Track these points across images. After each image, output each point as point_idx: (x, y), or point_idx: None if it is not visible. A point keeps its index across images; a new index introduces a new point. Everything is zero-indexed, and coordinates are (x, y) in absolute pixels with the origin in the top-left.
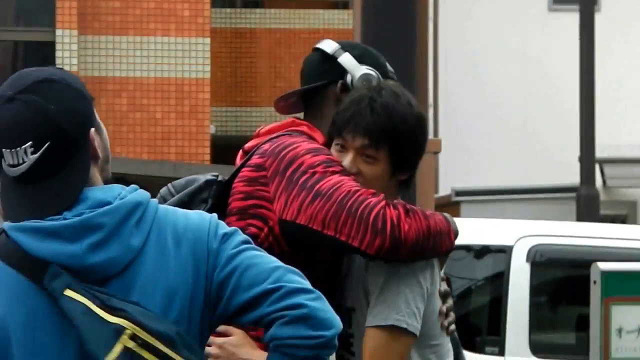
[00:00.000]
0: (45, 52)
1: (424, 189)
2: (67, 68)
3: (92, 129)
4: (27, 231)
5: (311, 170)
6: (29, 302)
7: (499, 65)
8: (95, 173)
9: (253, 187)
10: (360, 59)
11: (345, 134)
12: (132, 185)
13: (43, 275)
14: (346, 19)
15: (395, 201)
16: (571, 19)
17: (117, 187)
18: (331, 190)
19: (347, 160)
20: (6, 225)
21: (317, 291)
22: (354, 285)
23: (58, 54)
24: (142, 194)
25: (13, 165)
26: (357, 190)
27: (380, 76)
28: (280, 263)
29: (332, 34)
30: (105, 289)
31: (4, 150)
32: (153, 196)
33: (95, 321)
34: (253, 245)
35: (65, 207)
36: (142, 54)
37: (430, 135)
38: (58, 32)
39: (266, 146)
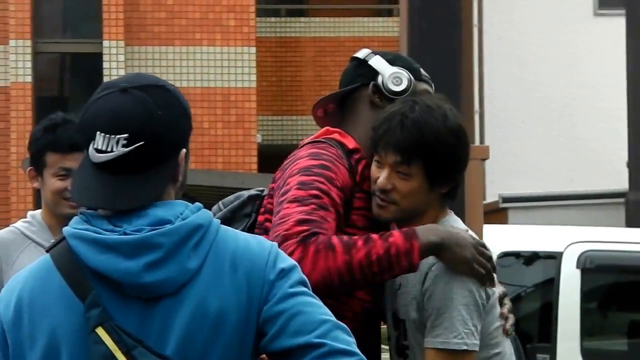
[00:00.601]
0: (92, 63)
1: (472, 197)
2: (113, 79)
3: (184, 151)
4: (86, 241)
5: (282, 198)
6: (78, 317)
7: (544, 71)
8: (171, 194)
9: (267, 200)
10: (392, 62)
11: (379, 150)
12: (197, 204)
13: (87, 296)
14: (390, 27)
15: (315, 238)
16: (617, 24)
17: (181, 205)
18: (275, 223)
19: (382, 176)
20: (67, 231)
21: (360, 355)
22: (409, 298)
23: (105, 64)
24: (204, 215)
25: (100, 151)
26: (283, 226)
27: (411, 76)
28: (330, 316)
29: (377, 42)
30: (142, 333)
31: (97, 132)
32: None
33: None
34: (308, 290)
35: (132, 206)
36: (188, 64)
37: (477, 142)
38: (105, 43)
39: (289, 157)
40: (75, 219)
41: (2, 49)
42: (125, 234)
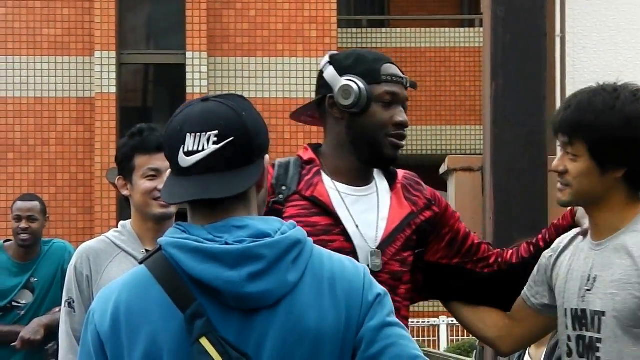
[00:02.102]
0: (175, 74)
1: (556, 208)
2: (197, 90)
3: (267, 157)
4: (187, 250)
5: None
6: (177, 326)
7: (630, 79)
8: (254, 201)
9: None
10: (348, 69)
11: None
12: (291, 222)
13: (188, 306)
14: (472, 38)
15: None
16: None
17: (277, 221)
18: None
19: (557, 158)
20: (164, 241)
21: None
22: (607, 289)
23: (188, 75)
24: (301, 232)
25: (190, 153)
26: None
27: (362, 84)
28: (420, 351)
29: (458, 53)
30: (241, 344)
31: (187, 135)
32: None
33: None
34: (399, 322)
35: (226, 194)
36: (270, 74)
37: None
38: (188, 54)
39: None
40: (171, 230)
41: (87, 60)
42: (227, 244)
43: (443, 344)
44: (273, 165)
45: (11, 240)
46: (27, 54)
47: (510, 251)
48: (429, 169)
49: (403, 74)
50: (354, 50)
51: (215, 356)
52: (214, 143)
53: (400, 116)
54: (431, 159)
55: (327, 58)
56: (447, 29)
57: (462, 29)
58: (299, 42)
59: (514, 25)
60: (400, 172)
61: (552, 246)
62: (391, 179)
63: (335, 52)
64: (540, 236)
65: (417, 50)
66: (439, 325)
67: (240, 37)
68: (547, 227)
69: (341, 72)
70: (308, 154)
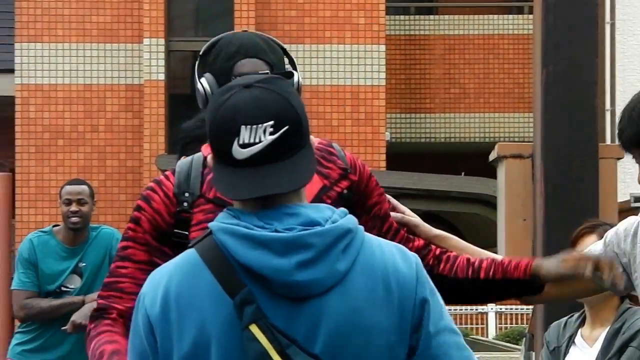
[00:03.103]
0: None
1: (606, 196)
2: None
3: (312, 138)
4: (237, 236)
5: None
6: (227, 312)
7: None
8: (303, 188)
9: None
10: (210, 65)
11: None
12: (342, 209)
13: (238, 292)
14: (521, 24)
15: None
16: None
17: (327, 209)
18: None
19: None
20: (215, 225)
21: None
22: None
23: None
24: (352, 220)
25: (246, 145)
26: None
27: (214, 86)
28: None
29: (507, 40)
30: (291, 332)
31: (242, 127)
32: None
33: None
34: (452, 324)
35: (293, 187)
36: (318, 62)
37: (608, 141)
38: None
39: None
40: (222, 214)
41: (136, 47)
42: (276, 231)
43: (491, 332)
44: (173, 172)
45: (59, 225)
46: (77, 41)
47: (444, 259)
48: (478, 157)
49: (272, 64)
50: (225, 36)
51: (264, 343)
52: (270, 134)
53: None
54: (480, 147)
55: (203, 48)
56: (495, 16)
57: (510, 16)
58: (347, 29)
59: (565, 12)
60: (314, 143)
61: (626, 226)
62: None
63: (214, 40)
64: (484, 265)
65: (465, 38)
66: (487, 313)
67: (289, 24)
68: (492, 261)
69: (204, 69)
70: (208, 150)
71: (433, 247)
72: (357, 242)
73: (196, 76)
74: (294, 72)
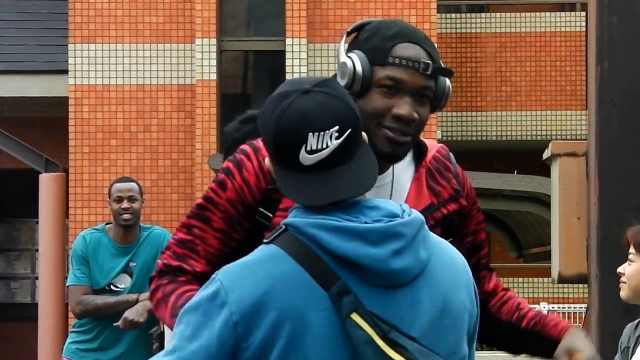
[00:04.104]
0: (275, 60)
1: None
2: (296, 76)
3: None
4: (330, 229)
5: None
6: (321, 304)
7: None
8: None
9: None
10: (360, 44)
11: None
12: (404, 203)
13: (332, 284)
14: (573, 22)
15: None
16: None
17: (396, 203)
18: None
19: None
20: (300, 221)
21: None
22: None
23: (288, 62)
24: (419, 213)
25: (314, 151)
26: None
27: (365, 64)
28: None
29: (559, 37)
30: (388, 319)
31: (310, 134)
32: None
33: (377, 353)
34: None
35: (358, 193)
36: None
37: None
38: (288, 40)
39: None
40: (298, 211)
41: (188, 47)
42: (367, 223)
43: None
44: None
45: (111, 223)
46: (129, 41)
47: (497, 298)
48: (530, 155)
49: (433, 57)
50: (383, 21)
51: (368, 330)
52: (336, 138)
53: (402, 108)
54: (532, 145)
55: (353, 26)
56: (547, 13)
57: (562, 13)
58: None
59: (620, 7)
60: (433, 149)
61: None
62: (420, 160)
63: (363, 22)
64: (529, 315)
65: (517, 35)
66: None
67: (340, 23)
68: (539, 316)
69: (353, 46)
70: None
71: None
72: (429, 234)
73: (341, 52)
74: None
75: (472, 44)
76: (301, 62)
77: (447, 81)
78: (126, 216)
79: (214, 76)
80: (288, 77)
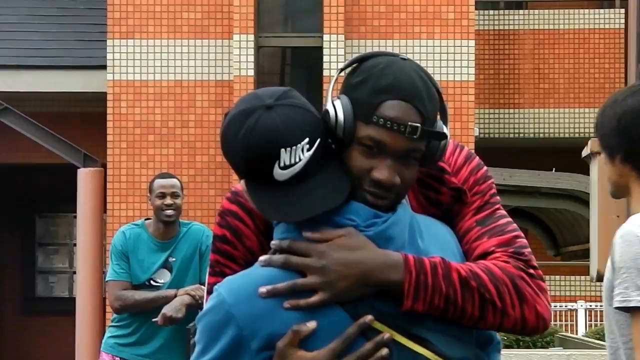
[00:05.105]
0: (312, 56)
1: None
2: (333, 72)
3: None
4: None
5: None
6: (335, 315)
7: None
8: None
9: None
10: (351, 89)
11: None
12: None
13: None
14: (612, 19)
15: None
16: None
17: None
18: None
19: None
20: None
21: None
22: None
23: (325, 58)
24: (404, 206)
25: (287, 167)
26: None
27: (348, 117)
28: None
29: (598, 34)
30: (406, 316)
31: (282, 150)
32: None
33: (402, 352)
34: None
35: (341, 199)
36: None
37: None
38: (325, 37)
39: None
40: (283, 227)
41: (226, 43)
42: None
43: (581, 329)
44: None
45: (151, 219)
46: (168, 37)
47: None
48: (568, 152)
49: (425, 115)
50: (379, 63)
51: (389, 331)
52: (307, 150)
53: (381, 172)
54: (569, 142)
55: (348, 62)
56: (586, 10)
57: (601, 10)
58: (436, 24)
59: None
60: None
61: None
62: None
63: (365, 55)
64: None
65: (555, 32)
66: (576, 310)
67: (377, 20)
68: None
69: (344, 86)
70: None
71: None
72: (416, 217)
73: (329, 94)
74: (446, 132)
75: (510, 41)
76: (338, 58)
77: (443, 143)
78: (169, 212)
79: (251, 72)
80: (325, 73)
